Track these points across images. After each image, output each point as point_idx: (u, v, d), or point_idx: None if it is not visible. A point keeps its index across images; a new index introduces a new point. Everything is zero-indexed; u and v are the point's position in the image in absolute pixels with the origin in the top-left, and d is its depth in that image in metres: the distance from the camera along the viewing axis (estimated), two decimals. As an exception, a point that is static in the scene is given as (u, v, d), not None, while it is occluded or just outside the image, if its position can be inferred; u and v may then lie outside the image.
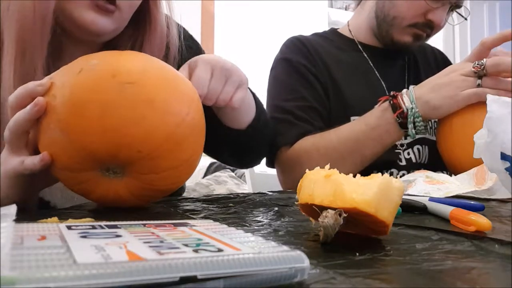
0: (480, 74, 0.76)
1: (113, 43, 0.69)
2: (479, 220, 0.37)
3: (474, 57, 0.80)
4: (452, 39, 3.41)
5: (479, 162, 0.52)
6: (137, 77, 0.48)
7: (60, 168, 0.48)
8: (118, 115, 0.45)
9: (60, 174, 0.50)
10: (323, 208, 0.33)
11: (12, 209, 0.27)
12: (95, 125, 0.45)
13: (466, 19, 1.03)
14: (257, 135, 0.76)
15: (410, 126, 0.80)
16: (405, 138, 0.94)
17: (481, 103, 0.74)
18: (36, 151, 0.49)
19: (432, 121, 0.96)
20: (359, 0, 1.10)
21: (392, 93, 0.83)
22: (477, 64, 0.76)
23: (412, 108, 0.79)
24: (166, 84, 0.50)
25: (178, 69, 0.66)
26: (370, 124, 0.83)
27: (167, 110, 0.48)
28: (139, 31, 0.70)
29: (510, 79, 0.76)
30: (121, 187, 0.49)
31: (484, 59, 0.76)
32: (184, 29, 0.80)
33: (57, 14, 0.62)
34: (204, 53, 0.83)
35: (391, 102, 0.82)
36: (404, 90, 0.83)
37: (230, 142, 0.74)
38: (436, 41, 1.02)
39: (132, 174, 0.49)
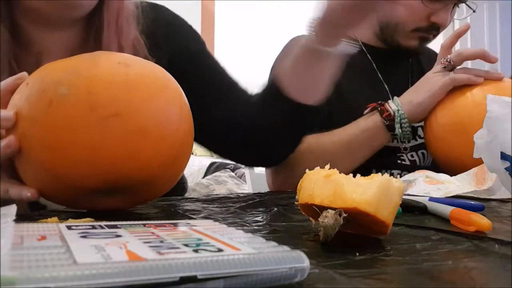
0: (449, 67, 0.85)
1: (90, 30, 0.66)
2: (479, 220, 0.37)
3: (439, 60, 0.89)
4: (452, 39, 3.41)
5: (466, 144, 0.51)
6: (121, 106, 0.42)
7: (50, 199, 0.47)
8: (108, 154, 0.41)
9: (51, 200, 0.48)
10: (323, 208, 0.33)
11: (12, 209, 0.27)
12: (84, 166, 0.41)
13: (474, 11, 1.02)
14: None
15: (397, 126, 0.85)
16: (409, 142, 0.95)
17: (457, 88, 0.83)
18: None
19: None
20: None
21: (379, 102, 0.88)
22: (444, 60, 0.86)
23: (398, 109, 0.86)
24: (154, 105, 0.44)
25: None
26: (360, 127, 0.87)
27: (160, 135, 0.44)
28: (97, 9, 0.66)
29: (478, 69, 0.83)
30: (118, 202, 0.48)
31: (448, 56, 0.86)
32: None
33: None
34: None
35: (379, 109, 0.87)
36: (390, 100, 0.88)
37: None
38: (436, 40, 1.02)
39: (128, 193, 0.47)
